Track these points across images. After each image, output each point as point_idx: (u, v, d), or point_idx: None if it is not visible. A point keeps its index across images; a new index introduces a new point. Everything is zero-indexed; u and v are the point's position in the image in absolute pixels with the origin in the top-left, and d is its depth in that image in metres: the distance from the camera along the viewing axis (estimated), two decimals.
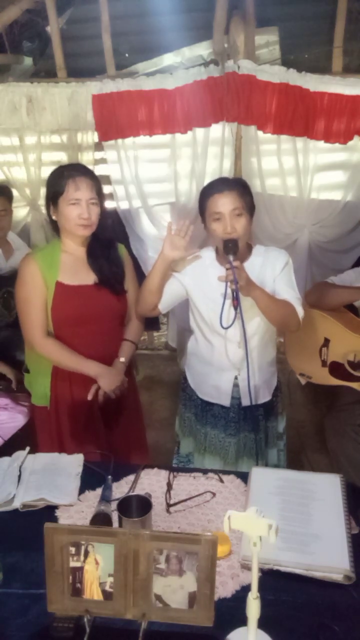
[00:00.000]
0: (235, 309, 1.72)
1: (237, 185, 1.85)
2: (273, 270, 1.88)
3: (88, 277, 1.97)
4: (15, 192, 2.93)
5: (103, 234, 1.99)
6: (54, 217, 1.92)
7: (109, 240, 2.03)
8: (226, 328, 1.80)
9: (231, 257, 1.71)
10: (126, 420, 2.12)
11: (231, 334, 1.88)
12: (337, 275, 2.46)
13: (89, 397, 1.94)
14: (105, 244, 2.01)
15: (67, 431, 2.02)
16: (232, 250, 1.73)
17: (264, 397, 2.01)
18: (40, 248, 2.08)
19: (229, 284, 1.70)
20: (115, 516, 1.40)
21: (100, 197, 1.92)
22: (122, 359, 2.03)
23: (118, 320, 2.05)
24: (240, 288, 1.68)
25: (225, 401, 1.98)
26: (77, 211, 1.85)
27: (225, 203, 1.79)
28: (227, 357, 1.93)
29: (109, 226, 2.05)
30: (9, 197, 2.82)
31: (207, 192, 1.85)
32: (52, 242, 2.02)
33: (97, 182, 1.91)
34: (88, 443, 2.00)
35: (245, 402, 1.96)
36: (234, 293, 1.70)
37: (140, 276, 2.06)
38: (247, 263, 1.87)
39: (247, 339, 1.85)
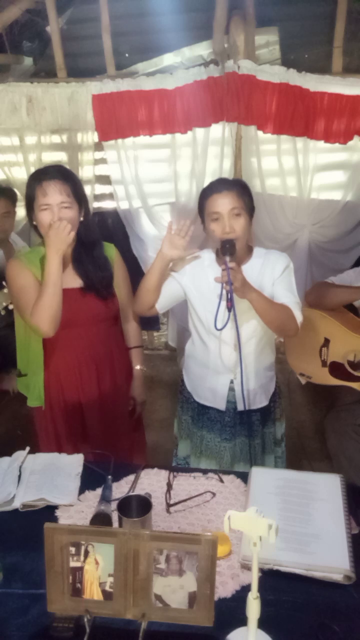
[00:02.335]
0: (229, 310, 1.71)
1: (236, 186, 1.85)
2: (272, 273, 1.86)
3: (73, 281, 1.94)
4: (17, 192, 2.93)
5: (87, 236, 1.94)
6: (34, 223, 1.89)
7: (93, 242, 1.98)
8: (220, 329, 1.78)
9: (227, 258, 1.69)
10: (125, 418, 2.13)
11: (226, 336, 1.87)
12: (336, 275, 2.47)
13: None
14: (90, 246, 1.97)
15: (63, 431, 2.02)
16: (229, 251, 1.72)
17: (261, 403, 2.00)
18: (23, 253, 2.07)
19: (224, 284, 1.70)
20: (115, 516, 1.40)
21: (79, 198, 1.87)
22: (138, 367, 2.17)
23: (109, 322, 2.03)
24: (235, 289, 1.67)
25: (221, 405, 1.97)
26: (49, 217, 1.81)
27: (223, 203, 1.79)
28: (221, 360, 1.92)
29: (95, 228, 2.00)
30: (12, 199, 2.82)
31: (206, 193, 1.85)
32: (36, 247, 1.98)
33: (71, 184, 1.84)
34: (85, 443, 2.00)
35: (241, 406, 1.95)
36: (228, 294, 1.69)
37: (140, 276, 2.06)
38: (246, 265, 1.87)
39: (243, 343, 1.84)
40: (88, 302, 1.94)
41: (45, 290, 1.78)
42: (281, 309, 1.79)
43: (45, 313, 1.78)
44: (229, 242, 1.75)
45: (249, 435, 1.98)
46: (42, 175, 1.84)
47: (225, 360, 1.91)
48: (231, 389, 1.95)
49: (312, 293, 2.44)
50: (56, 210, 1.81)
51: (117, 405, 2.08)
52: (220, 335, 1.87)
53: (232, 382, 1.95)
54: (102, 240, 2.04)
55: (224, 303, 1.74)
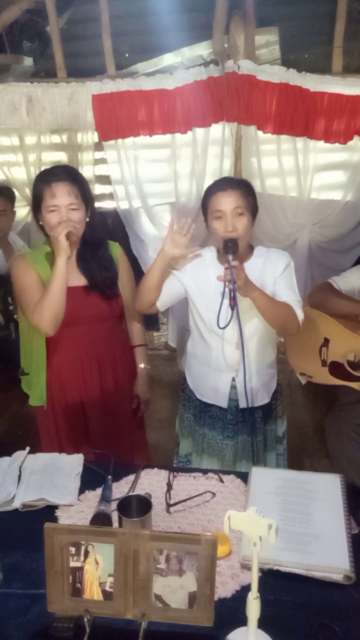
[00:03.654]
0: (232, 308, 1.72)
1: (241, 185, 1.86)
2: (274, 272, 1.87)
3: (78, 280, 1.94)
4: (15, 192, 2.93)
5: (93, 236, 1.94)
6: (41, 223, 1.88)
7: (99, 241, 1.98)
8: (222, 328, 1.79)
9: (230, 257, 1.70)
10: (127, 418, 2.12)
11: (229, 335, 1.88)
12: (339, 274, 2.45)
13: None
14: (95, 246, 1.97)
15: (65, 431, 2.02)
16: (232, 250, 1.73)
17: (262, 400, 2.00)
18: (29, 251, 2.07)
19: (227, 283, 1.70)
20: (115, 516, 1.40)
21: (86, 199, 1.87)
22: (142, 365, 2.16)
23: (112, 321, 2.03)
24: (237, 288, 1.68)
25: (223, 403, 1.98)
26: (56, 218, 1.81)
27: (227, 202, 1.79)
28: (224, 358, 1.92)
29: (100, 227, 2.01)
30: (9, 198, 2.82)
31: (211, 191, 1.86)
32: (40, 246, 1.98)
33: (79, 185, 1.84)
34: (86, 442, 2.00)
35: (243, 404, 1.95)
36: (231, 293, 1.70)
37: (141, 276, 2.06)
38: (248, 264, 1.87)
39: (245, 341, 1.84)
40: (92, 301, 1.94)
41: (49, 290, 1.79)
42: (283, 307, 1.80)
43: (47, 312, 1.79)
44: (231, 240, 1.76)
45: (251, 433, 1.99)
46: (51, 176, 1.83)
47: (228, 359, 1.92)
48: (233, 387, 1.96)
49: (316, 295, 2.41)
50: (64, 212, 1.81)
51: (119, 404, 2.08)
52: (222, 334, 1.88)
53: (234, 379, 1.95)
54: (106, 240, 2.04)
55: (226, 301, 1.75)
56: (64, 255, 1.78)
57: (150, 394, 2.21)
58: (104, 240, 2.02)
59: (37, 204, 1.86)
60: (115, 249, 2.05)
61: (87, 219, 1.90)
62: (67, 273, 1.80)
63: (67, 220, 1.81)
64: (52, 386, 1.98)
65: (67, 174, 1.85)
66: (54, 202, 1.80)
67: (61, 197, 1.80)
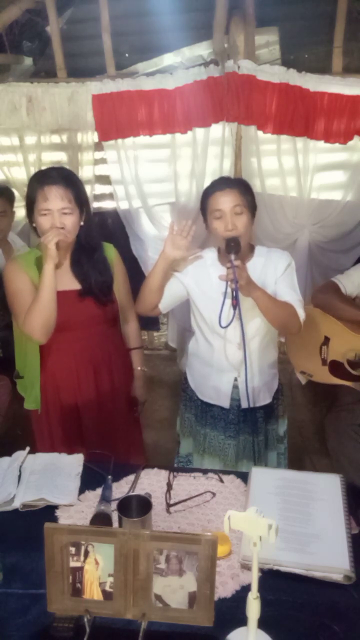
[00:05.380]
0: (235, 308, 1.72)
1: (238, 184, 1.86)
2: (275, 272, 1.88)
3: (71, 284, 1.92)
4: (15, 192, 2.93)
5: (87, 240, 1.93)
6: (34, 225, 1.87)
7: (94, 246, 1.96)
8: (224, 327, 1.79)
9: (232, 256, 1.71)
10: (122, 421, 2.12)
11: (231, 335, 1.88)
12: (343, 273, 2.44)
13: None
14: (90, 250, 1.95)
15: (59, 434, 2.02)
16: (234, 249, 1.74)
17: (264, 400, 2.01)
18: (21, 254, 2.06)
19: (229, 283, 1.70)
20: (115, 516, 1.40)
21: (81, 203, 1.85)
22: (139, 368, 2.17)
23: (107, 324, 2.01)
24: (240, 287, 1.68)
25: (225, 403, 1.98)
26: (49, 222, 1.79)
27: (226, 201, 1.80)
28: (226, 358, 1.93)
29: (96, 231, 1.99)
30: (9, 199, 2.82)
31: (209, 191, 1.86)
32: (33, 249, 1.96)
33: (73, 189, 1.82)
34: (81, 446, 1.99)
35: (245, 404, 1.96)
36: (234, 292, 1.70)
37: (140, 277, 2.05)
38: (249, 264, 1.88)
39: (247, 341, 1.85)
40: (86, 305, 1.93)
41: (38, 298, 1.78)
42: (284, 307, 1.81)
43: (36, 320, 1.78)
44: (233, 240, 1.76)
45: (253, 432, 1.99)
46: (45, 178, 1.82)
47: (230, 359, 1.92)
48: (235, 387, 1.96)
49: (321, 298, 2.39)
50: (57, 216, 1.79)
51: (114, 407, 2.07)
52: (225, 334, 1.88)
53: (236, 379, 1.95)
54: (102, 244, 2.02)
55: (228, 301, 1.75)
56: (52, 263, 1.76)
57: (147, 395, 2.21)
58: (99, 244, 1.99)
59: (30, 205, 1.84)
60: (110, 251, 2.03)
61: (82, 223, 1.88)
62: (55, 280, 1.78)
63: (60, 226, 1.79)
64: (46, 390, 1.97)
65: (61, 177, 1.82)
66: (46, 206, 1.78)
67: (53, 200, 1.78)
